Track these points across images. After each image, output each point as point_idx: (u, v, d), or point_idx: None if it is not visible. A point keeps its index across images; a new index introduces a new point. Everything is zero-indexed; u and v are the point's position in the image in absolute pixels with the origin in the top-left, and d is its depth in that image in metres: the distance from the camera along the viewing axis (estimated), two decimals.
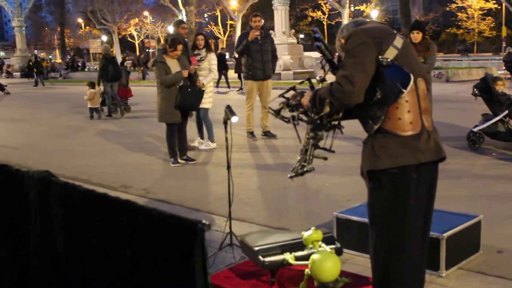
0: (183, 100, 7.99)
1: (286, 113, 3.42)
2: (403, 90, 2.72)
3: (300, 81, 3.65)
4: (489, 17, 53.42)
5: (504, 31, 42.22)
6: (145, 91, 24.82)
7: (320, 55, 3.20)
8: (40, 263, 2.34)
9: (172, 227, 1.65)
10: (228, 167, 4.82)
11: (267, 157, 8.84)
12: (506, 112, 8.20)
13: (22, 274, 2.38)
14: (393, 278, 2.87)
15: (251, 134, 10.27)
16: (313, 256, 3.24)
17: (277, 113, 3.36)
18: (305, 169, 3.28)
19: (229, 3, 46.91)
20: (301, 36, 52.28)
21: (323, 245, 3.51)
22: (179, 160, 8.29)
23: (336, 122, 3.15)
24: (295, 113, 3.32)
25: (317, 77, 3.27)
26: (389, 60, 2.77)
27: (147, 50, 62.69)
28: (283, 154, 9.04)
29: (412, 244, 2.86)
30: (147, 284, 1.68)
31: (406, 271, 2.86)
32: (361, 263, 4.14)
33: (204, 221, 1.56)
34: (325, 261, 3.19)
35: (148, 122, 13.68)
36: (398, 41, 2.85)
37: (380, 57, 2.76)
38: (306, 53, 32.42)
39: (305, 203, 6.19)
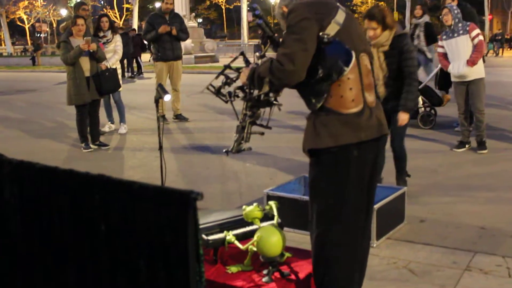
0: (104, 84, 7.90)
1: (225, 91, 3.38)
2: (345, 68, 2.67)
3: (234, 57, 3.60)
4: (382, 2, 55.58)
5: (396, 16, 44.11)
6: (40, 77, 23.76)
7: (260, 32, 3.17)
8: None
9: (161, 199, 1.60)
10: (160, 147, 4.70)
11: (182, 140, 8.75)
12: None
13: None
14: (333, 253, 2.85)
15: (163, 117, 10.10)
16: (259, 232, 3.24)
17: (217, 91, 3.29)
18: (242, 148, 3.26)
19: None
20: (200, 20, 51.91)
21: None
22: (91, 146, 8.03)
23: (273, 99, 3.15)
24: (231, 90, 3.28)
25: (257, 53, 3.23)
26: (330, 36, 2.70)
27: (38, 35, 59.90)
28: (197, 136, 8.99)
29: (353, 221, 2.84)
30: (135, 262, 1.62)
31: (347, 247, 2.86)
32: (295, 238, 4.20)
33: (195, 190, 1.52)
34: (272, 236, 3.20)
35: (49, 108, 13.13)
36: (341, 16, 2.78)
37: (321, 33, 2.70)
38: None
39: (228, 183, 6.19)
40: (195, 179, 6.41)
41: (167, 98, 4.68)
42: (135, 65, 23.15)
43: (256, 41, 36.04)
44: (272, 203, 3.60)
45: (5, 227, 2.12)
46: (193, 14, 31.79)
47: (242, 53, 3.27)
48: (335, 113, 2.74)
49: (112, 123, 9.52)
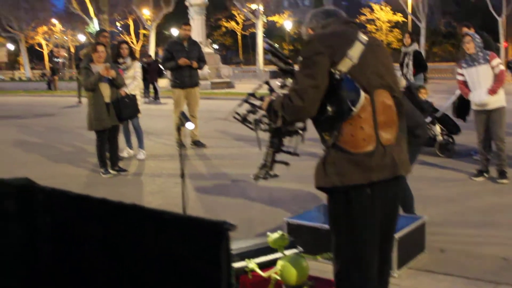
0: (124, 110, 8.05)
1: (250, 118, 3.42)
2: (352, 108, 2.60)
3: (257, 86, 3.63)
4: (396, 29, 55.77)
5: None
6: (58, 101, 24.06)
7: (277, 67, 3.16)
8: (20, 278, 2.22)
9: (193, 229, 1.62)
10: (182, 176, 4.73)
11: (200, 166, 8.79)
12: (430, 119, 8.59)
13: None
14: (349, 285, 2.83)
15: (180, 143, 10.16)
16: (283, 261, 3.26)
17: (243, 119, 3.33)
18: (269, 174, 3.30)
19: (142, 12, 46.38)
20: (216, 46, 52.44)
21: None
22: (110, 171, 8.10)
23: (296, 129, 3.19)
24: (257, 117, 3.31)
25: (278, 82, 3.26)
26: (342, 72, 2.62)
27: (56, 60, 60.70)
28: (215, 162, 9.02)
29: (365, 257, 2.79)
30: None
31: (359, 281, 2.81)
32: (314, 267, 4.19)
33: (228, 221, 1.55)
34: (296, 265, 3.21)
35: (67, 133, 13.27)
36: (357, 49, 2.69)
37: (332, 69, 2.63)
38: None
39: (247, 210, 6.20)
40: (214, 206, 6.43)
41: (189, 126, 4.72)
42: (151, 90, 23.38)
43: (271, 67, 36.24)
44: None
45: (36, 255, 2.15)
46: (209, 40, 32.06)
47: (266, 82, 3.31)
48: (345, 152, 2.67)
49: (131, 148, 9.60)
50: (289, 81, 3.04)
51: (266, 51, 3.07)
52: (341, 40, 2.73)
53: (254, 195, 6.76)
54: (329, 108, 2.64)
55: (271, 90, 3.18)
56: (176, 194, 6.60)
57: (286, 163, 3.38)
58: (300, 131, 3.11)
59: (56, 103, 23.73)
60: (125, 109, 8.10)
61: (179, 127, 4.66)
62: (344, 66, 2.64)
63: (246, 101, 3.36)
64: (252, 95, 3.38)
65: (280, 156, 3.26)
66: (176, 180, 7.50)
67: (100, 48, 8.02)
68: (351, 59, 2.66)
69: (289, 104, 2.69)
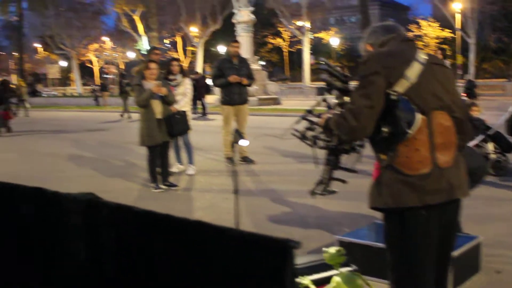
0: (175, 126, 8.19)
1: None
2: (407, 131, 2.58)
3: (316, 103, 3.64)
4: (445, 45, 54.99)
5: (460, 59, 43.49)
6: (108, 117, 24.55)
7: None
8: None
9: (258, 247, 1.64)
10: (236, 192, 4.77)
11: (248, 182, 8.83)
12: (482, 136, 8.44)
13: None
14: None
15: (230, 159, 10.26)
16: (338, 278, 3.25)
17: (302, 136, 3.35)
18: (325, 192, 3.32)
19: (189, 29, 47.12)
20: (262, 63, 52.78)
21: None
22: (161, 186, 8.22)
23: (352, 147, 3.19)
24: (315, 134, 3.33)
25: (335, 100, 3.26)
26: (398, 93, 2.60)
27: (106, 76, 62.09)
28: (264, 179, 9.05)
29: (420, 277, 2.76)
30: None
31: None
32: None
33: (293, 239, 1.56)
34: (351, 283, 3.20)
35: (118, 147, 13.54)
36: (415, 69, 2.65)
37: (388, 90, 2.61)
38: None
39: (297, 226, 6.19)
40: (264, 222, 6.45)
41: (243, 143, 4.77)
42: (199, 106, 23.65)
43: (318, 84, 36.20)
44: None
45: (100, 270, 2.21)
46: (257, 57, 32.30)
47: (324, 99, 3.33)
48: (400, 173, 2.64)
49: (181, 164, 9.73)
50: (346, 99, 3.04)
51: (322, 70, 3.09)
52: (398, 60, 2.70)
53: (305, 212, 6.75)
54: (384, 129, 2.62)
55: (329, 107, 3.20)
56: (227, 210, 6.67)
57: (343, 181, 3.39)
58: (358, 149, 3.12)
59: (106, 118, 24.28)
60: (176, 125, 8.24)
61: (233, 144, 4.69)
62: (401, 87, 2.62)
63: (304, 118, 3.37)
64: (310, 112, 3.39)
65: (337, 173, 3.28)
66: (225, 196, 7.58)
67: (152, 66, 8.19)
68: (408, 80, 2.63)
69: (344, 124, 2.69)
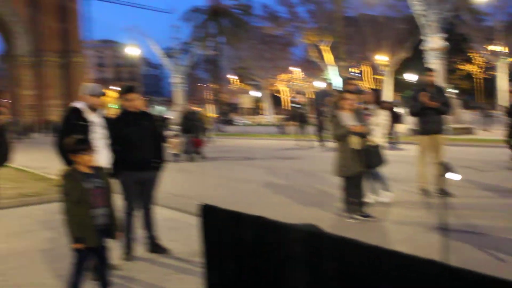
0: (372, 159, 8.27)
1: None
2: None
3: None
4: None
5: None
6: (298, 145, 25.11)
7: None
8: None
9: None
10: (443, 228, 4.58)
11: (447, 216, 8.43)
12: None
13: None
14: None
15: (425, 191, 9.94)
16: None
17: None
18: None
19: (375, 58, 46.92)
20: (455, 90, 50.65)
21: None
22: (356, 216, 8.19)
23: None
24: None
25: None
26: None
27: (295, 106, 63.91)
28: (463, 213, 8.58)
29: None
30: None
31: None
32: None
33: None
34: None
35: (311, 176, 13.77)
36: None
37: None
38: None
39: (497, 266, 5.78)
40: (471, 260, 6.10)
41: (454, 177, 4.58)
42: (390, 136, 23.29)
43: None
44: None
45: None
46: (451, 85, 31.15)
47: None
48: None
49: (376, 194, 9.61)
50: None
51: None
52: None
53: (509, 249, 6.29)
54: None
55: None
56: (426, 244, 6.45)
57: None
58: None
59: (298, 146, 24.84)
60: (373, 158, 8.21)
61: (440, 176, 4.53)
62: None
63: None
64: None
65: None
66: (422, 229, 7.33)
67: (349, 96, 8.25)
68: None
69: None
